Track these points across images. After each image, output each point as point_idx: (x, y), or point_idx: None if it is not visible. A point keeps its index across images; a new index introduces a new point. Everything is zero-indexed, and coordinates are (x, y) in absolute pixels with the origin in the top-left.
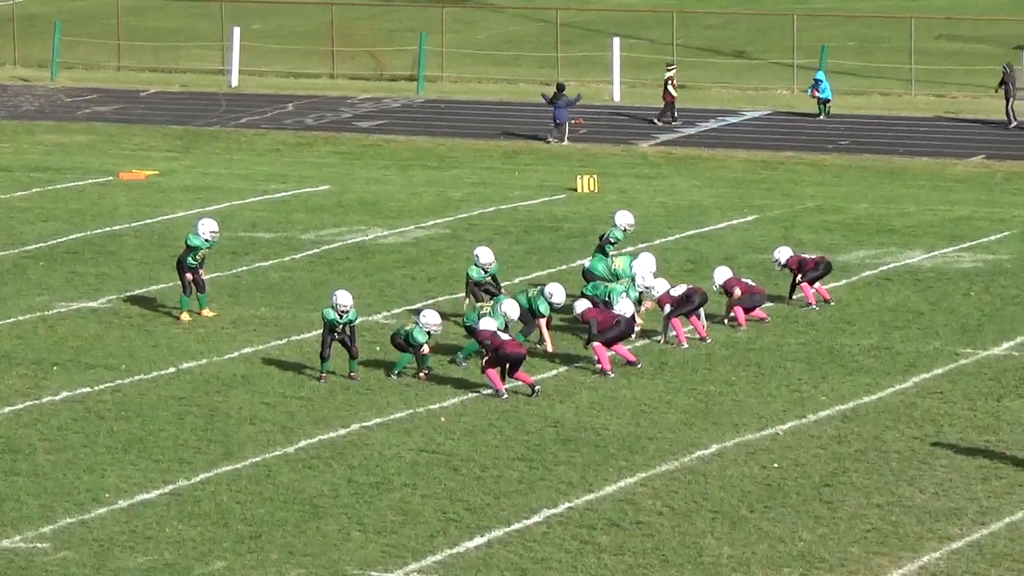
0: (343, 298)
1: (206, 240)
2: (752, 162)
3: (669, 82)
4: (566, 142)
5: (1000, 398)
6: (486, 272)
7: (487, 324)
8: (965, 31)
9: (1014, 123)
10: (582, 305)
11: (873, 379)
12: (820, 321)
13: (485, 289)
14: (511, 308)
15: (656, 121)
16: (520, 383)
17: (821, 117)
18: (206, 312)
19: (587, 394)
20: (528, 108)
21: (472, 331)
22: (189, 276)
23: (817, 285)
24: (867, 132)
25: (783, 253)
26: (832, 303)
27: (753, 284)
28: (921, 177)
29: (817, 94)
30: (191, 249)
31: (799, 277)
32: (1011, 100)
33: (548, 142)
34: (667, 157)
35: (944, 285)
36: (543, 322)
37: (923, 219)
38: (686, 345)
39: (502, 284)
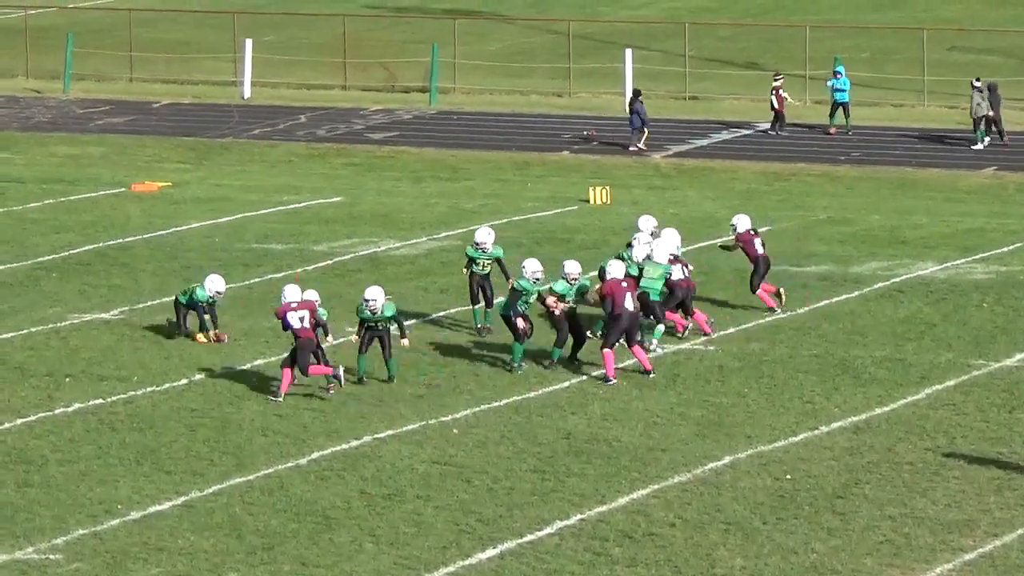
0: (371, 293)
1: (210, 298)
2: (764, 173)
3: (776, 92)
4: (643, 148)
5: (1013, 410)
6: (535, 282)
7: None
8: (977, 43)
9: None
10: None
11: (885, 391)
12: (832, 333)
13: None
14: (573, 267)
15: (771, 132)
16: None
17: (832, 131)
18: (200, 338)
19: (599, 406)
20: (540, 120)
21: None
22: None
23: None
24: (880, 143)
25: (742, 221)
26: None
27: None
28: (933, 188)
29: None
30: (192, 299)
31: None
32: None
33: (631, 149)
34: (679, 168)
35: (956, 297)
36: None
37: (935, 231)
38: (710, 332)
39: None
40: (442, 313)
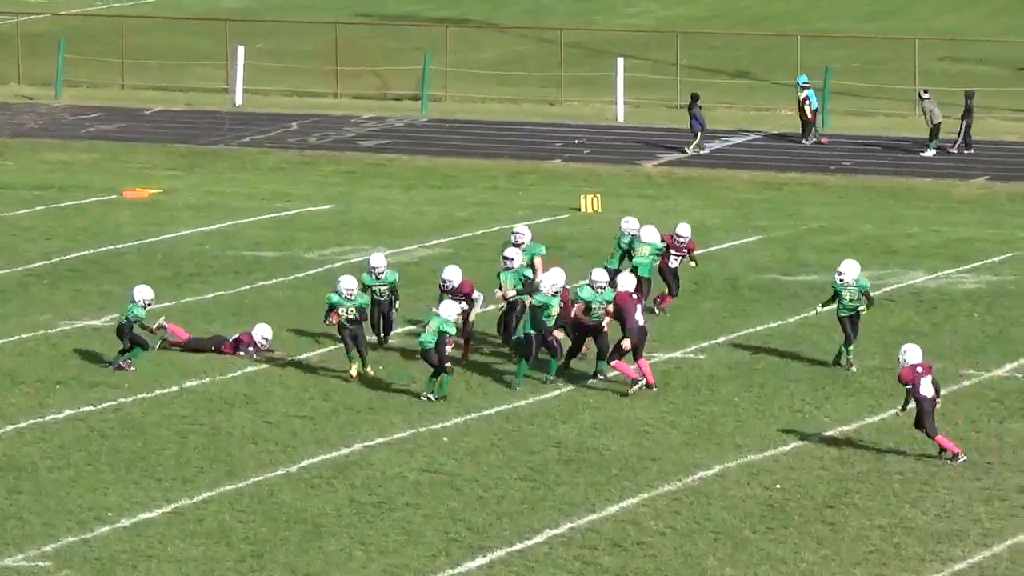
0: (375, 260)
1: (144, 310)
2: (755, 183)
3: (805, 102)
4: (700, 150)
5: (1003, 419)
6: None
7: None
8: (969, 53)
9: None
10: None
11: (876, 400)
12: (823, 342)
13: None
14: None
15: (804, 141)
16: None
17: (806, 142)
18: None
19: (589, 414)
20: (531, 128)
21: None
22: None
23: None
24: (871, 153)
25: (684, 229)
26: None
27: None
28: (924, 198)
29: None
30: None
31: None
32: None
33: (686, 152)
34: (670, 177)
35: (947, 306)
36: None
37: (926, 240)
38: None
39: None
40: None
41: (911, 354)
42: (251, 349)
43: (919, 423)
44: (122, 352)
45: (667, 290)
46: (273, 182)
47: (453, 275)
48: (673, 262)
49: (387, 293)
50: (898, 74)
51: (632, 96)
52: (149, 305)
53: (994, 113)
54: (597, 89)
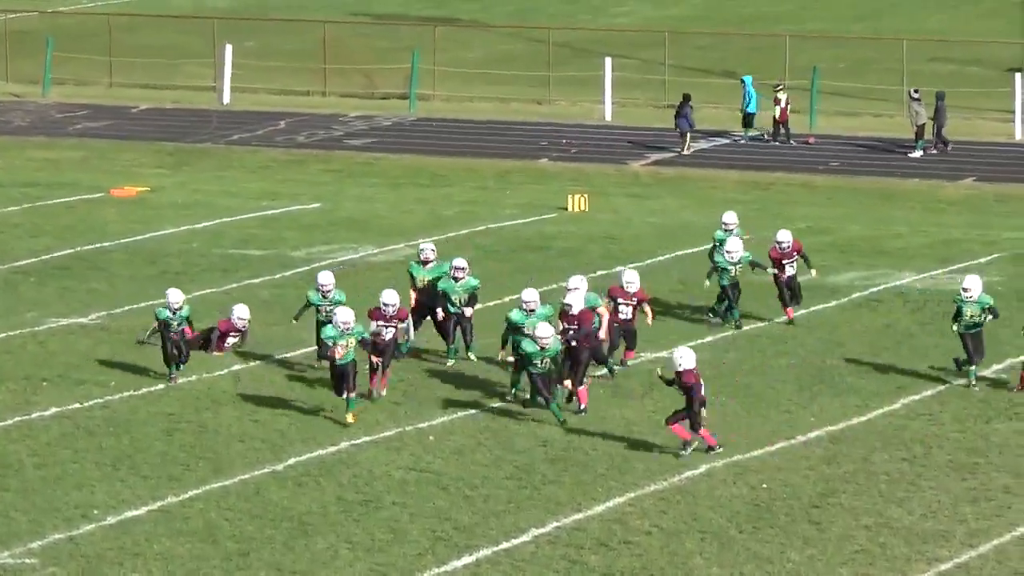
0: (324, 278)
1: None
2: (743, 183)
3: (775, 102)
4: (687, 151)
5: (989, 420)
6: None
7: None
8: (957, 54)
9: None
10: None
11: (863, 400)
12: (810, 342)
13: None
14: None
15: (774, 140)
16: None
17: (745, 137)
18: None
19: (576, 414)
20: (519, 127)
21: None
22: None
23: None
24: (859, 153)
25: (784, 235)
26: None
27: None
28: (912, 199)
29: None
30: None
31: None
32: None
33: (684, 152)
34: (658, 177)
35: (934, 307)
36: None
37: (914, 241)
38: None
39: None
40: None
41: (687, 360)
42: (234, 339)
43: (683, 417)
44: (177, 365)
45: (783, 303)
46: (260, 180)
47: (392, 299)
48: (789, 270)
49: (333, 313)
50: (887, 75)
51: (620, 96)
52: (179, 309)
53: (982, 114)
54: (585, 89)
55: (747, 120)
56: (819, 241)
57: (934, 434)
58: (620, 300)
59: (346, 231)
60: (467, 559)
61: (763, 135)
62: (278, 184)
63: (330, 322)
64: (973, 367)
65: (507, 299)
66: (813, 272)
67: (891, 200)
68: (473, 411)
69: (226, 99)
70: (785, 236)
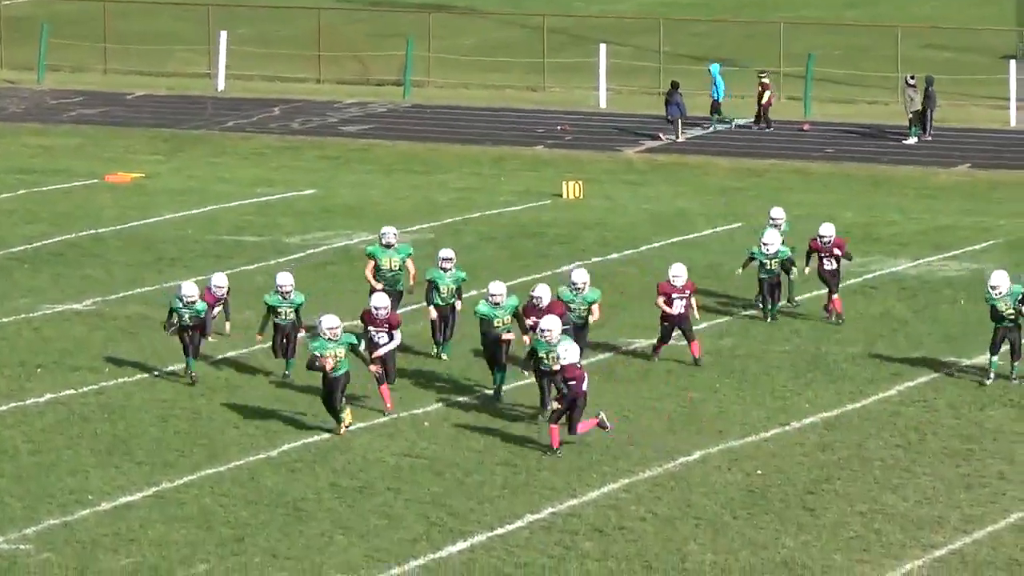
0: (282, 278)
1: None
2: (738, 170)
3: (758, 87)
4: (675, 138)
5: (983, 407)
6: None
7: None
8: (952, 40)
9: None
10: None
11: (857, 387)
12: (804, 329)
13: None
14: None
15: (757, 128)
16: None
17: (712, 123)
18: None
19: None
20: (513, 114)
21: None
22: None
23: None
24: (853, 140)
25: (827, 229)
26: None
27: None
28: (906, 186)
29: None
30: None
31: None
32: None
33: (665, 139)
34: (652, 164)
35: (929, 294)
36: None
37: (908, 228)
38: None
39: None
40: (414, 307)
41: (571, 354)
42: (217, 309)
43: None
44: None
45: (829, 292)
46: (255, 167)
47: (382, 302)
48: (828, 265)
49: (292, 315)
50: (881, 62)
51: (614, 83)
52: (193, 303)
53: (977, 101)
54: (579, 75)
55: (714, 107)
56: (814, 228)
57: (928, 421)
58: (674, 295)
59: (341, 218)
60: (461, 544)
61: (730, 123)
62: (273, 171)
63: (285, 322)
64: (1016, 363)
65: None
66: (807, 270)
67: (885, 187)
68: (467, 397)
69: (221, 86)
70: (828, 230)
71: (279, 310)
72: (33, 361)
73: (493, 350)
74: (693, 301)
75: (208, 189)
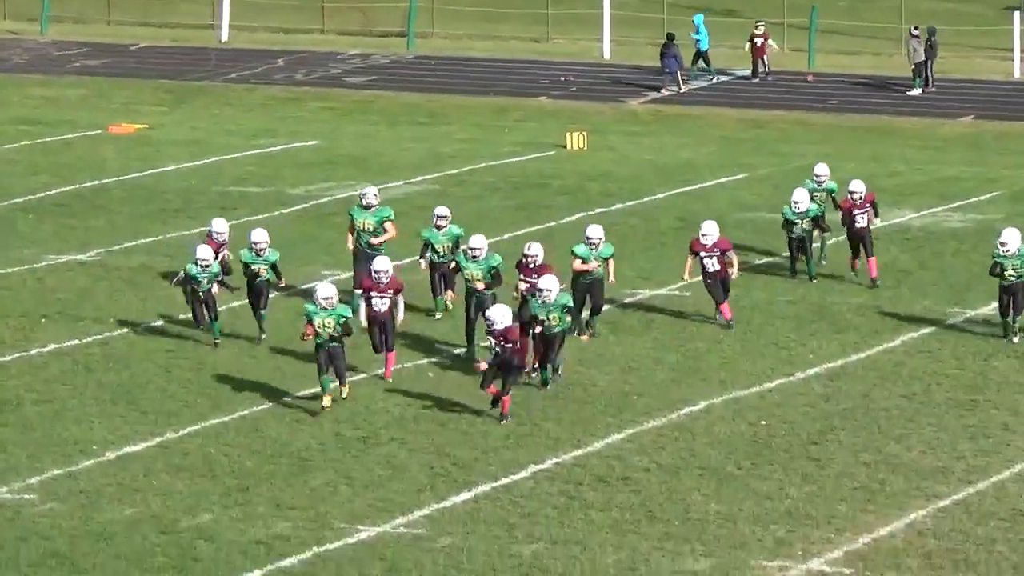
0: (257, 235)
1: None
2: (742, 121)
3: (756, 39)
4: (684, 89)
5: (988, 357)
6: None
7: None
8: None
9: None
10: None
11: (861, 338)
12: (807, 280)
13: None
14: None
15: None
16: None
17: (692, 73)
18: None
19: (575, 351)
20: (517, 65)
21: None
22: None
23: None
24: (857, 91)
25: (858, 185)
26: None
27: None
28: (910, 137)
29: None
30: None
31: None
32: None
33: (665, 92)
34: (657, 115)
35: (933, 244)
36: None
37: (912, 179)
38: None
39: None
40: (416, 258)
41: (503, 317)
42: (221, 257)
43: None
44: (210, 325)
45: (853, 253)
46: (259, 118)
47: (384, 265)
48: (860, 222)
49: (267, 272)
50: (885, 13)
51: (618, 34)
52: (208, 266)
53: (981, 52)
54: (584, 27)
55: (698, 57)
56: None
57: (933, 371)
58: (703, 255)
59: (344, 169)
60: (466, 495)
61: (712, 74)
62: (276, 122)
63: (261, 280)
64: (1019, 316)
65: (507, 236)
66: (877, 219)
67: (889, 138)
68: (471, 347)
69: (224, 36)
70: (859, 186)
71: (253, 267)
72: (37, 312)
73: (468, 303)
74: (733, 258)
75: (212, 140)
